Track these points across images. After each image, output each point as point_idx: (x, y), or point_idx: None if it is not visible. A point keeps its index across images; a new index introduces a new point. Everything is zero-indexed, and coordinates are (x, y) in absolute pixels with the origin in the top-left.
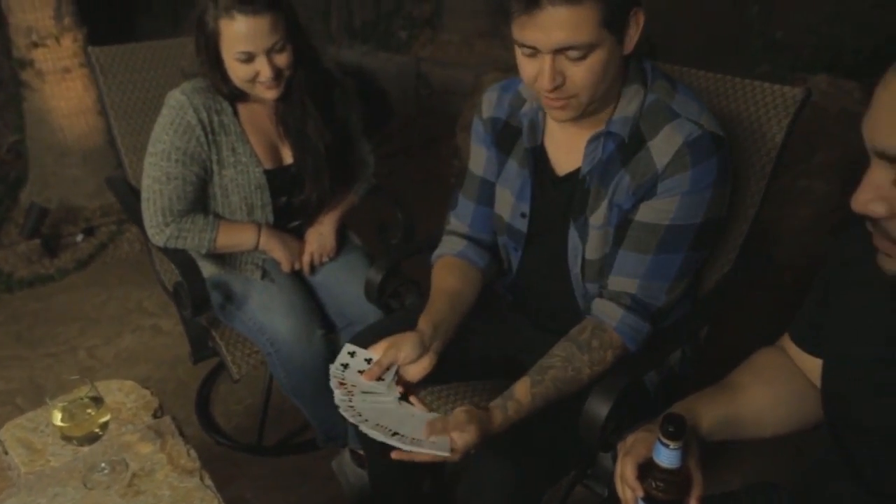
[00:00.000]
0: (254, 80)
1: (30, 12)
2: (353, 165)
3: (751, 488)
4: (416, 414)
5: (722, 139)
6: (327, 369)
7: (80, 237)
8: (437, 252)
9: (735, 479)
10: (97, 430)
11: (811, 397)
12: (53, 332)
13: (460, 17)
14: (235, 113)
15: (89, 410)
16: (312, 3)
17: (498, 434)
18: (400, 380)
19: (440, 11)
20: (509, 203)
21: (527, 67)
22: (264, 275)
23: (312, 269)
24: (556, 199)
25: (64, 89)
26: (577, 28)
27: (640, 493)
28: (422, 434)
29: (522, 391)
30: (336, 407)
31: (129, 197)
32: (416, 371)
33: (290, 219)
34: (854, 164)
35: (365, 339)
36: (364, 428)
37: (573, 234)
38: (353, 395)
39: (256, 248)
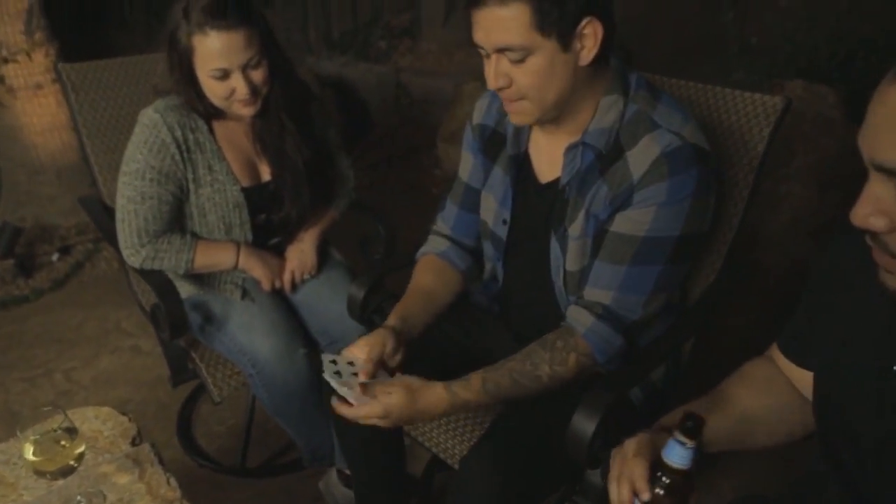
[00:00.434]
0: (230, 97)
1: None
2: (332, 180)
3: (740, 500)
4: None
5: (705, 151)
6: (311, 389)
7: (55, 256)
8: (421, 250)
9: (724, 489)
10: (72, 462)
11: (801, 408)
12: (29, 354)
13: (439, 27)
14: (211, 130)
15: (63, 442)
16: (290, 15)
17: (446, 412)
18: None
19: (418, 21)
20: (493, 209)
21: (485, 69)
22: (244, 294)
23: (294, 287)
24: (538, 207)
25: (36, 105)
26: (507, 29)
27: (647, 497)
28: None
29: (475, 375)
30: (322, 426)
31: (104, 217)
32: (395, 361)
33: (269, 236)
34: (831, 169)
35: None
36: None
37: (555, 245)
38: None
39: (236, 267)
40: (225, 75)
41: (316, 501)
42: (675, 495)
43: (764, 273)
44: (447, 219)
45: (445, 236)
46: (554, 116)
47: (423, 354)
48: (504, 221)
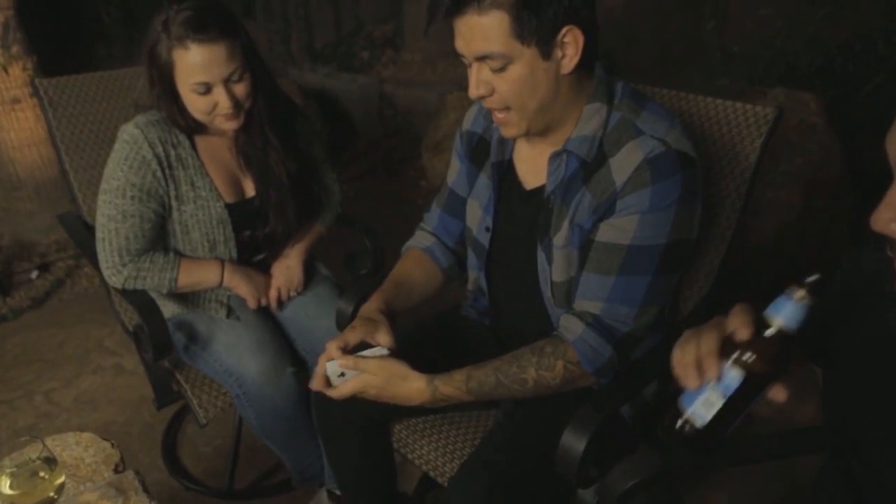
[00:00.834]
0: (212, 111)
1: None
2: (318, 195)
3: None
4: None
5: (689, 157)
6: (299, 408)
7: (34, 274)
8: (407, 243)
9: (721, 497)
10: (52, 494)
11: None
12: (7, 376)
13: (421, 37)
14: (193, 146)
15: (42, 474)
16: (272, 26)
17: (424, 404)
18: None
19: (401, 31)
20: (477, 216)
21: (469, 78)
22: (230, 312)
23: (280, 304)
24: (524, 214)
25: (14, 120)
26: (487, 37)
27: (714, 374)
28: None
29: (460, 371)
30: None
31: (84, 235)
32: (387, 341)
33: (254, 253)
34: (814, 174)
35: None
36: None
37: (541, 255)
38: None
39: (220, 285)
40: (207, 89)
41: None
42: (773, 362)
43: (749, 279)
44: (431, 219)
45: (430, 233)
46: (541, 127)
47: (415, 360)
48: (487, 229)
